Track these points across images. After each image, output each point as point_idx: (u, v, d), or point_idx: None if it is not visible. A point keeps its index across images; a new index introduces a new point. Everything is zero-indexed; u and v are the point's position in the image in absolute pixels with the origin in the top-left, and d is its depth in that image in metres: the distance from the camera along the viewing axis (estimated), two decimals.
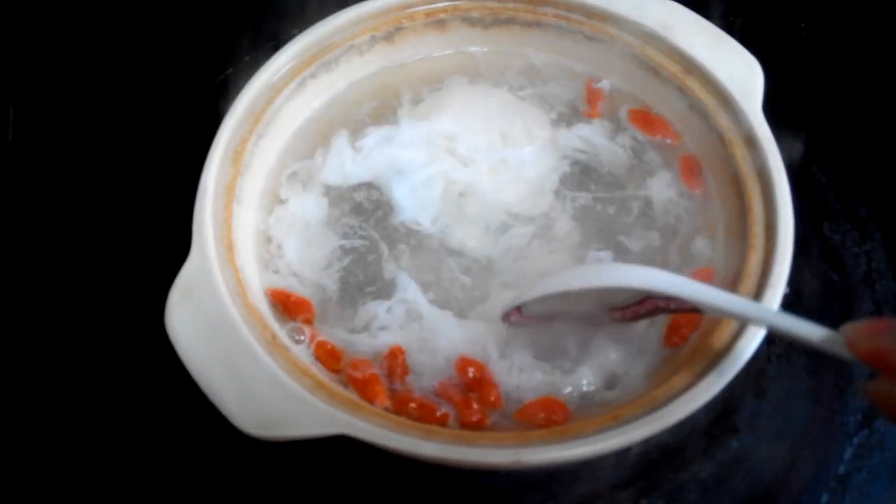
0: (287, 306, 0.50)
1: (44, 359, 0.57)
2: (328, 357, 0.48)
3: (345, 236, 0.55)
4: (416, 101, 0.61)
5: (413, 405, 0.46)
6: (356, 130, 0.59)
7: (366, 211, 0.56)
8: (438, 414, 0.46)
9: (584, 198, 0.56)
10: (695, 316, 0.47)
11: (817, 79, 0.69)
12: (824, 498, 0.51)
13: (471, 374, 0.47)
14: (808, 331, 0.38)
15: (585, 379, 0.47)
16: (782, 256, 0.47)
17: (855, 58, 0.71)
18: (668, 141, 0.58)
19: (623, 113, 0.59)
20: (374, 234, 0.55)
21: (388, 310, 0.50)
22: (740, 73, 0.55)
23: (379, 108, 0.61)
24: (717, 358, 0.44)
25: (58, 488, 0.52)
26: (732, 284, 0.48)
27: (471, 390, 0.47)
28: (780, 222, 0.48)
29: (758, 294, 0.46)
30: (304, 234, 0.54)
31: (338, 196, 0.56)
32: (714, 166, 0.55)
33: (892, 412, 0.33)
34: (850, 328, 0.35)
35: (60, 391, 0.56)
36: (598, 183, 0.57)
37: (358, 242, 0.54)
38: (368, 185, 0.57)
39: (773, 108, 0.54)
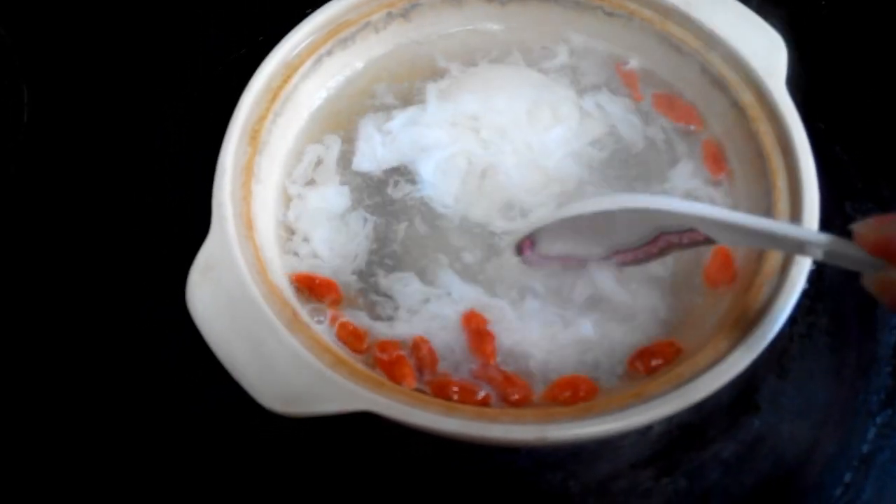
0: (313, 289, 0.50)
1: (64, 338, 0.57)
2: (351, 337, 0.48)
3: (371, 221, 0.54)
4: (439, 80, 0.60)
5: (455, 388, 0.45)
6: (378, 110, 0.58)
7: (389, 192, 0.55)
8: (479, 397, 0.45)
9: (608, 184, 0.55)
10: (668, 349, 0.47)
11: (838, 56, 0.68)
12: (847, 477, 0.51)
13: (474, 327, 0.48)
14: (817, 238, 0.38)
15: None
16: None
17: (877, 35, 0.70)
18: (691, 127, 0.57)
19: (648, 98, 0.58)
20: (399, 215, 0.54)
21: (420, 295, 0.50)
22: (763, 49, 0.54)
23: (399, 88, 0.60)
24: (742, 335, 0.43)
25: (80, 467, 0.53)
26: (756, 264, 0.47)
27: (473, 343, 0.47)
28: (805, 201, 0.47)
29: (783, 272, 0.46)
30: (331, 225, 0.53)
31: (359, 181, 0.56)
32: (737, 144, 0.54)
33: (893, 301, 0.34)
34: (858, 224, 0.35)
35: (82, 370, 0.56)
36: (622, 168, 0.56)
37: (383, 225, 0.53)
38: (394, 169, 0.56)
39: (794, 85, 0.53)
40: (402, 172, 0.56)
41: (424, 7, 0.60)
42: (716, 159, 0.55)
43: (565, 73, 0.60)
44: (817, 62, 0.65)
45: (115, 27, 0.73)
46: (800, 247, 0.38)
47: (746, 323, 0.44)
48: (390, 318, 0.50)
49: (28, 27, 0.72)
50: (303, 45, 0.57)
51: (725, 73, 0.55)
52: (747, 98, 0.53)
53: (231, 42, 0.71)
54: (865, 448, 0.52)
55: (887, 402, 0.53)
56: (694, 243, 0.43)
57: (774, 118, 0.51)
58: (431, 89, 0.59)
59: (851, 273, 0.58)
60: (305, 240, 0.53)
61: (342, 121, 0.58)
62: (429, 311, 0.50)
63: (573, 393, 0.45)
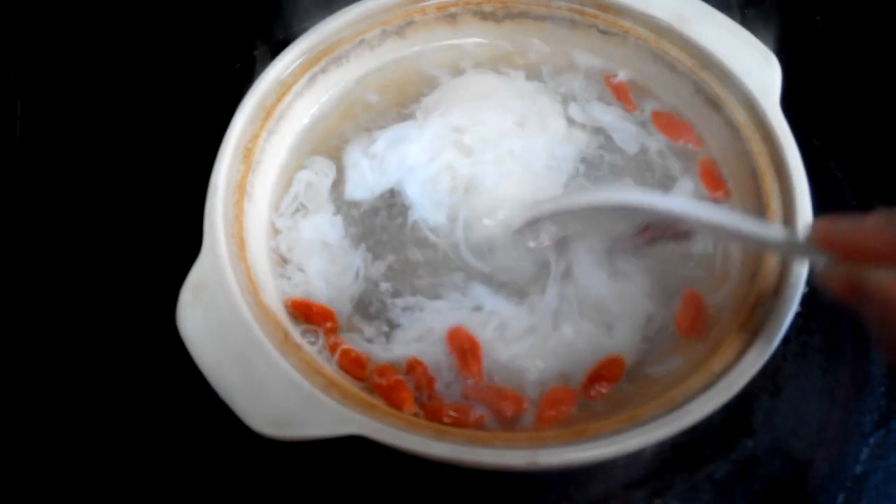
0: (309, 316, 0.50)
1: (52, 358, 0.57)
2: (353, 365, 0.48)
3: (365, 249, 0.53)
4: (426, 94, 0.60)
5: (450, 412, 0.45)
6: (361, 132, 0.58)
7: (382, 216, 0.55)
8: (473, 418, 0.45)
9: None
10: (616, 370, 0.48)
11: (834, 73, 0.68)
12: (840, 498, 0.51)
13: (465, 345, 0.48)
14: (773, 233, 0.42)
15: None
16: None
17: (871, 52, 0.70)
18: (689, 146, 0.57)
19: (647, 114, 0.58)
20: (393, 240, 0.54)
21: (412, 316, 0.50)
22: (757, 68, 0.54)
23: (389, 103, 0.60)
24: (733, 360, 0.43)
25: (66, 488, 0.52)
26: (749, 285, 0.47)
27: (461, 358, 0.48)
28: (798, 219, 0.48)
29: (776, 294, 0.46)
30: (326, 255, 0.53)
31: (351, 208, 0.55)
32: (731, 162, 0.54)
33: (840, 291, 0.37)
34: (813, 221, 0.41)
35: (70, 391, 0.55)
36: (613, 178, 0.56)
37: (377, 252, 0.53)
38: (385, 192, 0.55)
39: (789, 103, 0.53)
40: (394, 195, 0.55)
41: (419, 25, 0.60)
42: (712, 176, 0.55)
43: (555, 87, 0.60)
44: (813, 78, 0.65)
45: (110, 42, 0.73)
46: (762, 243, 0.43)
47: (739, 345, 0.44)
48: (385, 340, 0.50)
49: (22, 41, 0.72)
50: (297, 62, 0.57)
51: (719, 92, 0.55)
52: (741, 118, 0.53)
53: (226, 57, 0.71)
54: (859, 469, 0.52)
55: (881, 423, 0.53)
56: (677, 236, 0.47)
57: (768, 138, 0.52)
58: (418, 104, 0.59)
59: None
60: (300, 270, 0.52)
61: (333, 141, 0.58)
62: (418, 328, 0.50)
63: (558, 411, 0.45)
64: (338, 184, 0.56)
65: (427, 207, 0.54)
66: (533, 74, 0.61)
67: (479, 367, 0.48)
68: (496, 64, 0.61)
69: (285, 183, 0.56)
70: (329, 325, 0.49)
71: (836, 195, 0.63)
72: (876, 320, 0.35)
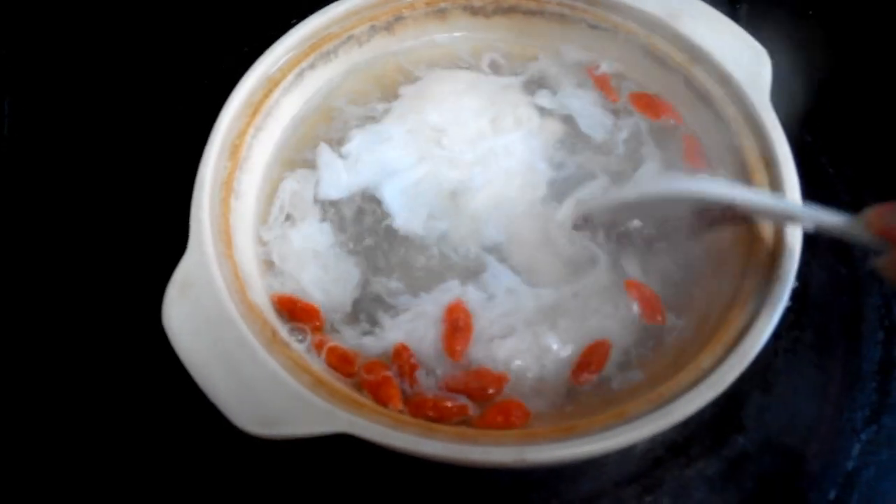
0: (294, 313, 0.49)
1: (38, 355, 0.56)
2: (341, 362, 0.47)
3: (355, 253, 0.53)
4: (400, 92, 0.59)
5: (431, 405, 0.45)
6: (343, 128, 0.57)
7: (368, 221, 0.54)
8: (455, 407, 0.45)
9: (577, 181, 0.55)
10: (602, 356, 0.48)
11: (825, 68, 0.68)
12: (832, 494, 0.51)
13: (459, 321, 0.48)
14: (831, 219, 0.42)
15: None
16: (791, 251, 0.46)
17: (863, 46, 0.70)
18: (671, 122, 0.57)
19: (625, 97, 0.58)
20: (381, 244, 0.53)
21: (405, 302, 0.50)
22: (747, 62, 0.54)
23: (367, 101, 0.59)
24: (722, 355, 0.43)
25: (53, 488, 0.52)
26: (740, 280, 0.47)
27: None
28: None
29: (766, 288, 0.45)
30: (318, 263, 0.52)
31: (337, 214, 0.54)
32: (722, 156, 0.54)
33: None
34: (866, 211, 0.39)
35: (56, 389, 0.55)
36: (590, 162, 0.56)
37: (367, 255, 0.53)
38: (363, 193, 0.55)
39: (780, 97, 0.53)
40: (371, 195, 0.55)
41: (408, 20, 0.60)
42: (695, 152, 0.55)
43: (538, 81, 0.60)
44: (805, 74, 0.65)
45: (99, 40, 0.72)
46: (821, 227, 0.43)
47: (729, 340, 0.44)
48: (375, 330, 0.49)
49: (10, 40, 0.72)
50: (285, 58, 0.57)
51: (710, 86, 0.55)
52: (731, 112, 0.53)
53: (216, 53, 0.70)
54: (850, 465, 0.51)
55: (872, 419, 0.53)
56: (735, 219, 0.48)
57: (758, 132, 0.51)
58: (391, 105, 0.58)
59: (837, 287, 0.59)
60: (296, 280, 0.51)
61: (313, 143, 0.57)
62: (412, 312, 0.49)
63: (505, 420, 0.45)
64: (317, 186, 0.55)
65: (407, 212, 0.53)
66: (504, 68, 0.61)
67: (465, 347, 0.47)
68: (474, 59, 0.61)
69: (272, 182, 0.55)
70: (315, 323, 0.49)
71: (828, 191, 0.63)
72: None
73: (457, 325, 0.48)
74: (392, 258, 0.52)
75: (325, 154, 0.56)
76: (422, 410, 0.45)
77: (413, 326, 0.49)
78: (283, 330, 0.47)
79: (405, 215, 0.53)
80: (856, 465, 0.51)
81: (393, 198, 0.54)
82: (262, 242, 0.52)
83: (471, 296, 0.50)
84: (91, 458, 0.52)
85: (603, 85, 0.59)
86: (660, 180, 0.53)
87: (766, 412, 0.53)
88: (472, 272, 0.51)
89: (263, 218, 0.54)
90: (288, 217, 0.54)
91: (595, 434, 0.41)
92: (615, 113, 0.58)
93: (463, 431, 0.42)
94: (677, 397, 0.41)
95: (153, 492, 0.51)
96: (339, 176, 0.55)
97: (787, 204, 0.47)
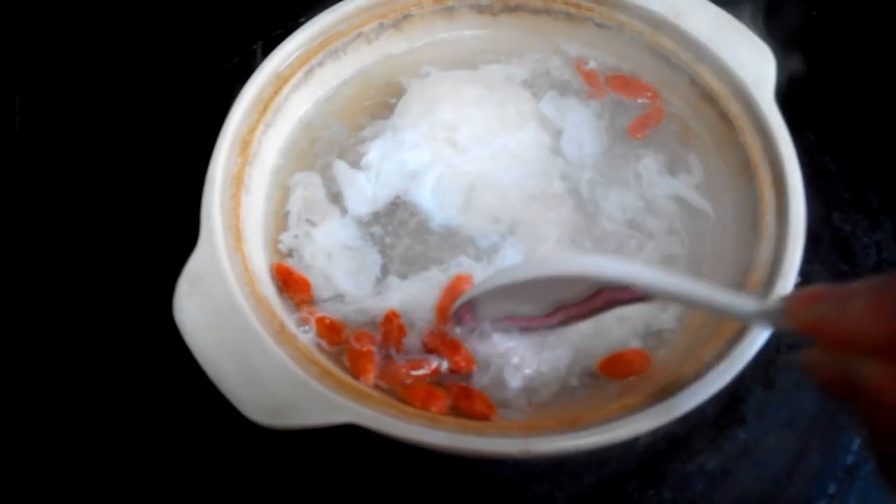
0: (287, 283, 0.50)
1: (51, 348, 0.57)
2: (328, 331, 0.49)
3: (383, 242, 0.54)
4: (405, 95, 0.60)
5: (409, 371, 0.47)
6: (352, 136, 0.58)
7: (395, 217, 0.55)
8: (429, 369, 0.47)
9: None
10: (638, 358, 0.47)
11: (828, 68, 0.69)
12: (832, 488, 0.51)
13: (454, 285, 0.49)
14: (743, 304, 0.36)
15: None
16: (794, 246, 0.47)
17: (867, 47, 0.70)
18: (647, 100, 0.58)
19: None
20: (409, 232, 0.54)
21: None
22: (752, 61, 0.54)
23: (380, 102, 0.60)
24: (727, 347, 0.44)
25: (65, 478, 0.53)
26: (743, 274, 0.48)
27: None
28: (791, 212, 0.48)
29: (768, 283, 0.46)
30: (346, 256, 0.53)
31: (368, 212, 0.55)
32: (726, 155, 0.54)
33: (826, 381, 0.32)
34: (785, 299, 0.34)
35: (69, 381, 0.56)
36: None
37: (396, 243, 0.54)
38: (395, 201, 0.55)
39: (784, 97, 0.53)
40: (399, 204, 0.55)
41: (416, 18, 0.61)
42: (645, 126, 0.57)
43: (530, 80, 0.61)
44: (809, 72, 0.65)
45: (109, 36, 0.73)
46: (733, 315, 0.38)
47: (731, 335, 0.44)
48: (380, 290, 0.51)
49: (22, 36, 0.73)
50: (294, 55, 0.57)
51: (714, 84, 0.55)
52: (736, 109, 0.54)
53: (225, 51, 0.71)
54: (850, 459, 0.52)
55: None
56: (634, 299, 0.41)
57: (762, 130, 0.52)
58: (397, 108, 0.59)
59: (839, 283, 0.59)
60: (328, 277, 0.52)
61: (319, 146, 0.58)
62: (419, 278, 0.51)
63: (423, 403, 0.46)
64: (337, 196, 0.55)
65: (439, 208, 0.54)
66: (511, 67, 0.61)
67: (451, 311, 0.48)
68: (476, 58, 0.61)
69: (282, 179, 0.56)
70: (303, 296, 0.50)
71: (832, 189, 0.63)
72: (867, 418, 0.31)
73: (456, 291, 0.49)
74: (416, 249, 0.53)
75: (342, 171, 0.56)
76: (399, 379, 0.46)
77: (417, 290, 0.50)
78: (290, 321, 0.48)
79: (437, 212, 0.54)
80: (855, 459, 0.52)
81: (424, 198, 0.55)
82: (284, 249, 0.53)
83: (479, 272, 0.51)
84: (104, 448, 0.53)
85: (591, 80, 0.60)
86: (549, 259, 0.47)
87: (767, 407, 0.53)
88: (486, 254, 0.52)
89: (280, 224, 0.54)
90: (308, 220, 0.54)
91: (598, 426, 0.41)
92: (605, 133, 0.58)
93: (468, 423, 0.43)
94: (680, 390, 0.42)
95: (165, 481, 0.52)
96: (363, 190, 0.55)
97: (690, 286, 0.39)
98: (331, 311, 0.50)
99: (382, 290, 0.51)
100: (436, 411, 0.45)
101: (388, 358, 0.48)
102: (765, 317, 0.36)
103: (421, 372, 0.47)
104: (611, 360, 0.48)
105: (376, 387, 0.47)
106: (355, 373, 0.46)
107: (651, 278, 0.39)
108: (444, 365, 0.47)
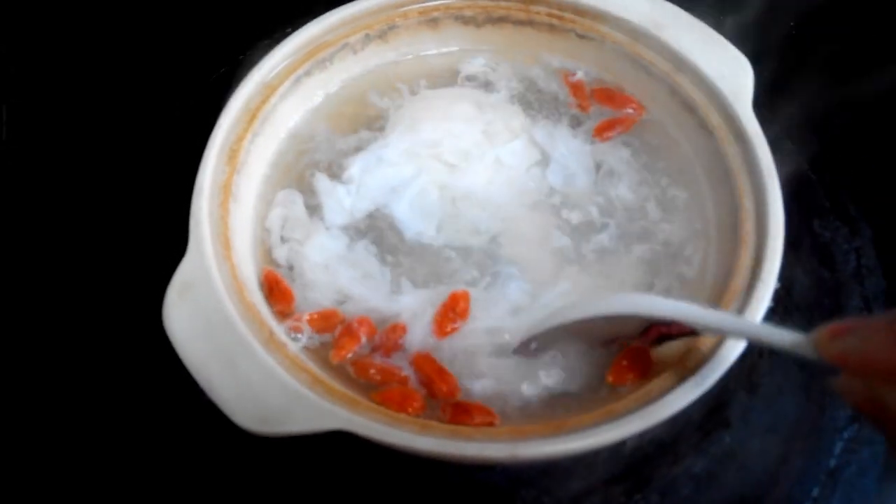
0: (272, 292, 0.51)
1: (40, 357, 0.57)
2: (322, 320, 0.50)
3: (374, 248, 0.54)
4: (391, 112, 0.60)
5: (374, 370, 0.48)
6: (325, 162, 0.58)
7: (376, 236, 0.55)
8: (398, 377, 0.47)
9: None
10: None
11: (807, 77, 0.70)
12: (815, 492, 0.52)
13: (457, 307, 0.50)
14: (780, 337, 0.40)
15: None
16: (773, 253, 0.47)
17: (845, 56, 0.71)
18: (631, 111, 0.59)
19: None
20: (386, 254, 0.54)
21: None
22: (730, 72, 0.55)
23: (366, 114, 0.61)
24: (710, 352, 0.44)
25: (55, 487, 0.52)
26: (724, 281, 0.49)
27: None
28: (770, 219, 0.49)
29: (749, 289, 0.47)
30: (345, 263, 0.53)
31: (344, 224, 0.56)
32: (706, 164, 0.55)
33: (858, 404, 0.35)
34: (816, 332, 0.37)
35: (58, 390, 0.56)
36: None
37: (383, 253, 0.54)
38: (372, 213, 0.56)
39: (763, 106, 0.54)
40: (380, 212, 0.56)
41: (401, 29, 0.61)
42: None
43: (520, 94, 0.61)
44: (787, 84, 0.67)
45: (97, 46, 0.73)
46: (775, 347, 0.41)
47: (713, 340, 0.45)
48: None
49: (8, 44, 0.72)
50: (282, 65, 0.58)
51: (694, 95, 0.56)
52: (715, 119, 0.55)
53: (212, 60, 0.71)
54: (833, 462, 0.53)
55: (854, 418, 0.54)
56: (682, 333, 0.45)
57: (741, 140, 0.53)
58: (380, 124, 0.59)
59: (820, 288, 0.60)
60: (334, 290, 0.52)
61: (304, 159, 0.58)
62: (415, 295, 0.51)
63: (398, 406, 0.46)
64: (316, 208, 0.56)
65: (416, 224, 0.55)
66: (494, 80, 0.62)
67: (452, 331, 0.49)
68: (460, 71, 0.62)
69: (271, 188, 0.56)
70: (283, 307, 0.50)
71: (811, 197, 0.65)
72: (892, 443, 0.34)
73: (454, 307, 0.50)
74: (403, 264, 0.54)
75: (322, 183, 0.56)
76: (365, 371, 0.48)
77: (413, 304, 0.51)
78: (279, 329, 0.48)
79: (414, 227, 0.55)
80: (838, 462, 0.53)
81: (402, 212, 0.55)
82: (283, 262, 0.53)
83: (476, 294, 0.51)
84: (93, 457, 0.53)
85: (577, 92, 0.61)
86: (603, 299, 0.48)
87: (751, 411, 0.54)
88: (479, 270, 0.53)
89: (269, 233, 0.55)
90: (291, 239, 0.54)
91: (585, 430, 0.42)
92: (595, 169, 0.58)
93: (457, 429, 0.43)
94: (665, 394, 0.43)
95: (155, 490, 0.52)
96: (342, 202, 0.55)
97: (736, 322, 0.44)
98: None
99: (395, 293, 0.52)
100: (413, 413, 0.45)
101: (370, 353, 0.49)
102: (799, 349, 0.38)
103: (386, 385, 0.47)
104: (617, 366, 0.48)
105: (339, 367, 0.48)
106: (335, 346, 0.48)
107: (701, 315, 0.43)
108: (415, 382, 0.48)
